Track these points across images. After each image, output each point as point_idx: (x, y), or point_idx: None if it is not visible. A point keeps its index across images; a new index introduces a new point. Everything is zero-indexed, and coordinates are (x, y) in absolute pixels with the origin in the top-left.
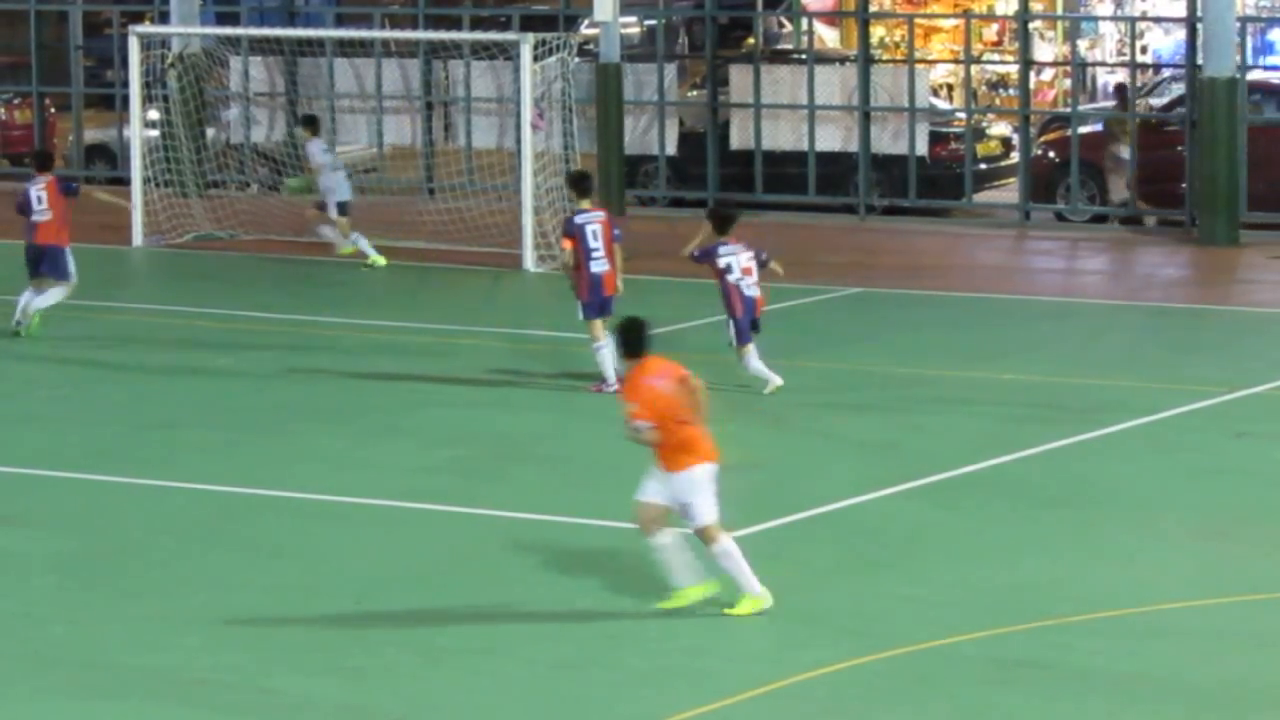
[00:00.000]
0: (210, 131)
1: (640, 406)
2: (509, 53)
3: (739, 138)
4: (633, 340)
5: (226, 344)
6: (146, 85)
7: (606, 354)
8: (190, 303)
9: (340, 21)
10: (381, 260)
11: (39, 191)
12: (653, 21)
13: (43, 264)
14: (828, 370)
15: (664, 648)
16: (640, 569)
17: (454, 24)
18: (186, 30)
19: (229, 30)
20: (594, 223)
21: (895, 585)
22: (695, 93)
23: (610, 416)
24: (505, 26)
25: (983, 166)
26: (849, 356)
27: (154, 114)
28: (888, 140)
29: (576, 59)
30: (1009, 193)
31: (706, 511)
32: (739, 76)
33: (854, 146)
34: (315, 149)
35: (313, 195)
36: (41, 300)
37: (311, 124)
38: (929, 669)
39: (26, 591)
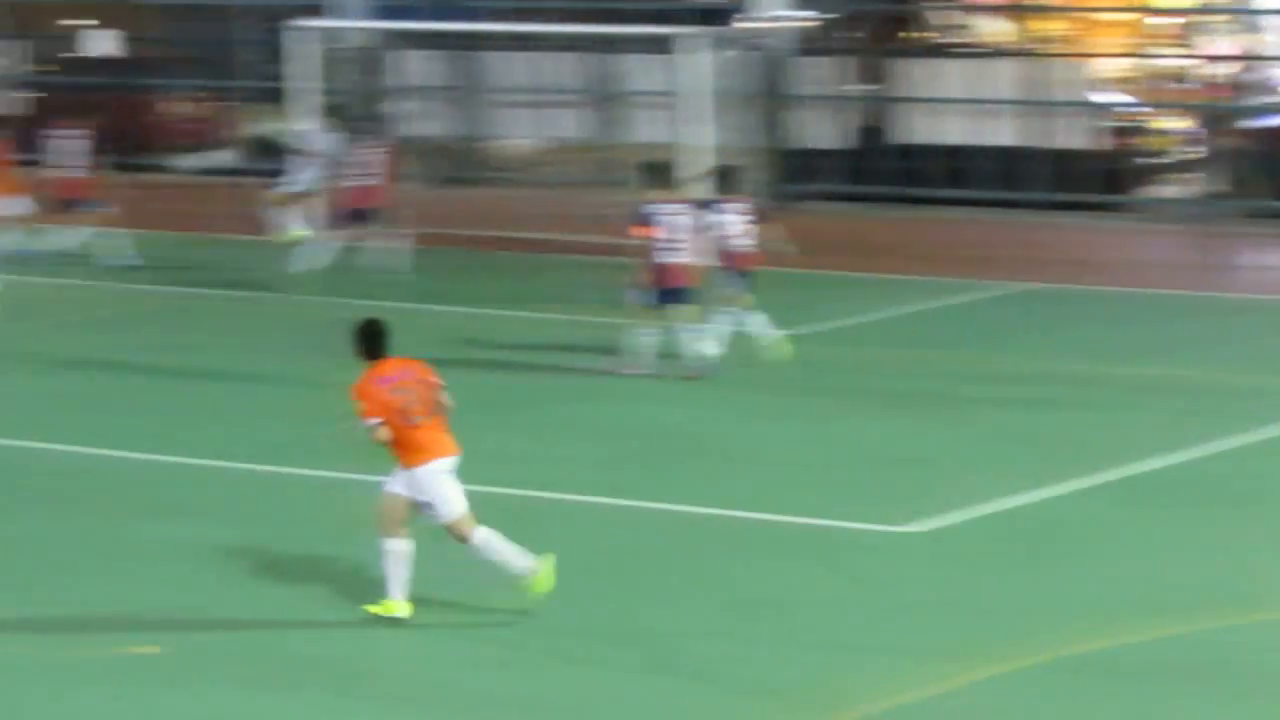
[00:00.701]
0: (384, 126)
1: (368, 406)
2: (677, 46)
3: (910, 132)
4: (369, 342)
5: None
6: (314, 79)
7: (650, 341)
8: (348, 295)
9: (508, 16)
10: (304, 233)
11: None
12: (821, 15)
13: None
14: (1000, 366)
15: (839, 642)
16: (820, 566)
17: (621, 18)
18: (356, 24)
19: (397, 24)
20: (677, 215)
21: (1071, 583)
22: (865, 87)
23: (788, 412)
24: (672, 20)
25: (1156, 161)
26: (1021, 352)
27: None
28: (1060, 135)
29: (744, 52)
30: (1183, 187)
31: (451, 507)
32: (909, 70)
33: (1027, 141)
34: (317, 137)
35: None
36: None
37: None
38: (1105, 668)
39: (203, 583)
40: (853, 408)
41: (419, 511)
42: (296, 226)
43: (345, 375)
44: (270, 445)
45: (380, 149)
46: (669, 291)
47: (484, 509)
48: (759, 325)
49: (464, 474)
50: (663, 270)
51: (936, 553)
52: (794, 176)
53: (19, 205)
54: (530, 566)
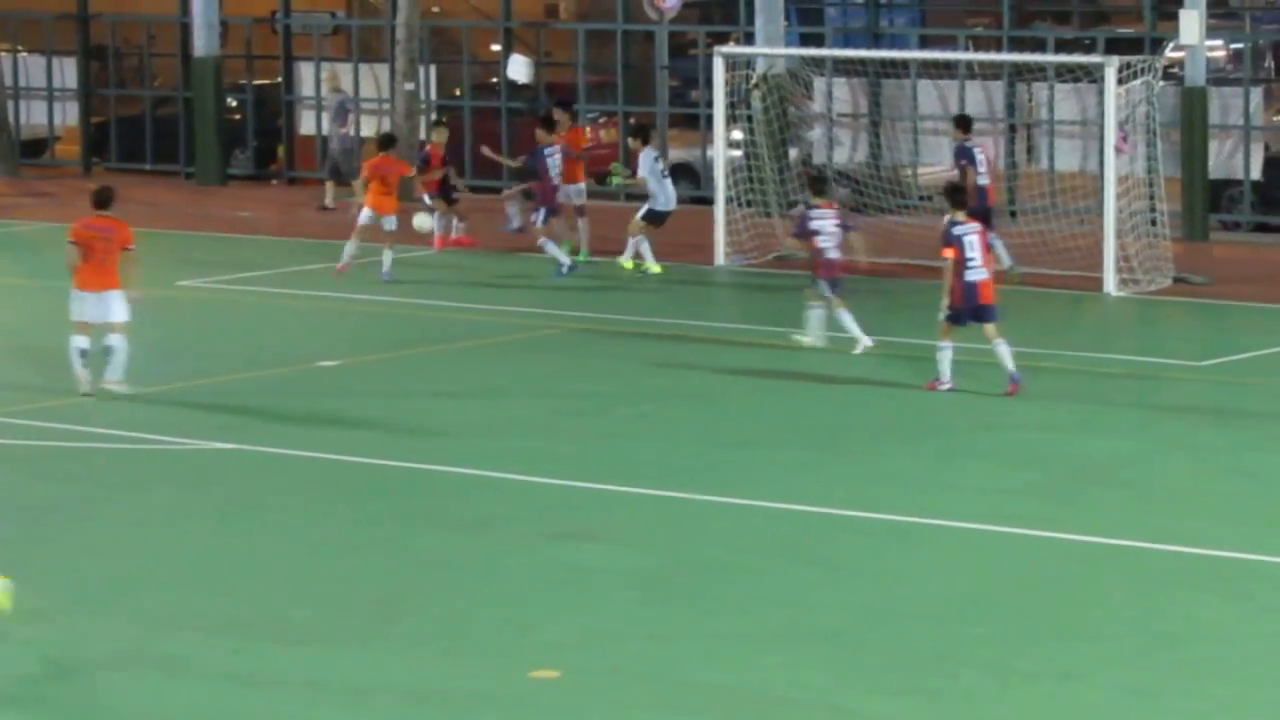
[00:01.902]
0: (793, 152)
1: None
2: (1093, 75)
3: None
4: None
5: (804, 361)
6: (730, 105)
7: (947, 354)
8: (771, 321)
9: (925, 43)
10: (656, 268)
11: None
12: (1239, 44)
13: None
14: None
15: (1247, 675)
16: (1229, 599)
17: (1038, 46)
18: (771, 51)
19: (813, 51)
20: (971, 234)
21: None
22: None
23: (1194, 443)
24: (1090, 49)
25: None
26: None
27: (737, 134)
28: None
29: (1161, 82)
30: None
31: None
32: None
33: None
34: (646, 158)
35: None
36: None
37: (642, 134)
38: None
39: (606, 607)
40: (1270, 440)
41: None
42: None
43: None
44: (673, 468)
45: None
46: (978, 309)
47: (887, 534)
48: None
49: (869, 500)
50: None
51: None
52: (1208, 206)
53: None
54: None
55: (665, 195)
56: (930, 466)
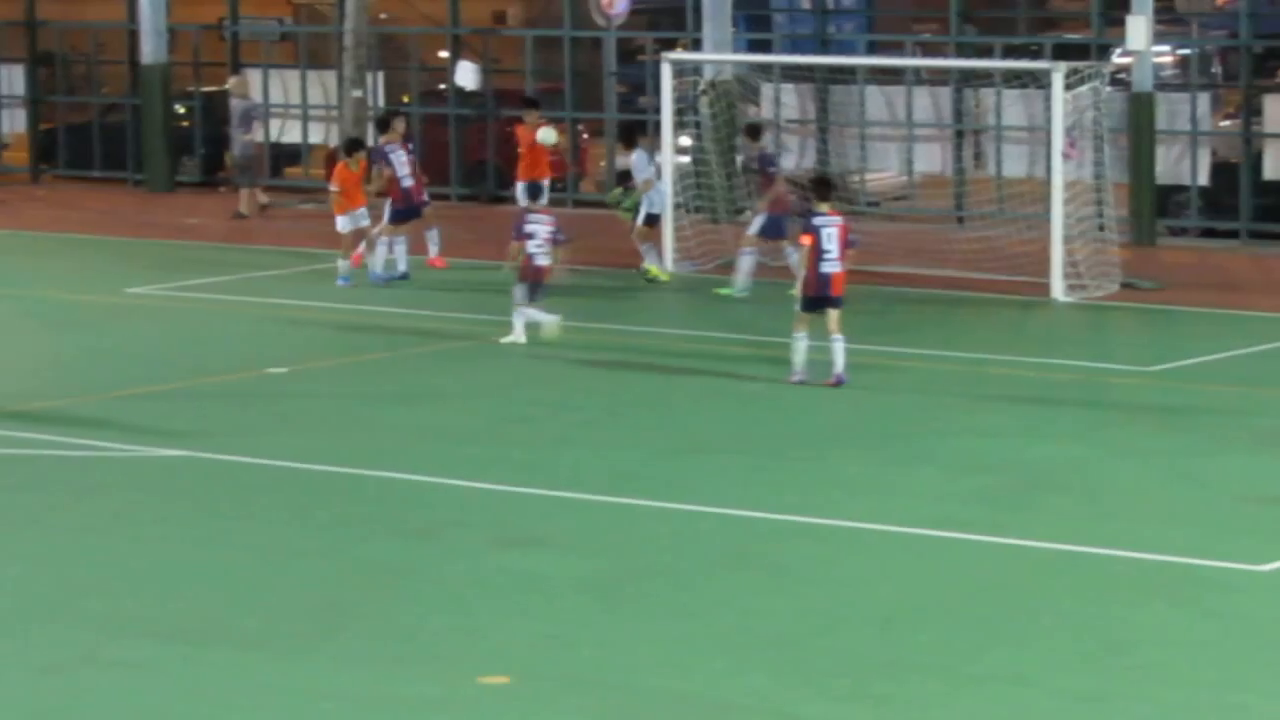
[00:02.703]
0: (740, 158)
1: None
2: (1041, 81)
3: (1273, 168)
4: None
5: (754, 367)
6: (679, 112)
7: (802, 346)
8: (720, 327)
9: (872, 49)
10: (665, 276)
11: None
12: (1186, 50)
13: None
14: None
15: (1195, 680)
16: (1177, 604)
17: (986, 52)
18: (719, 57)
19: (761, 57)
20: (830, 226)
21: None
22: (1228, 122)
23: (1142, 448)
24: (1037, 55)
25: None
26: None
27: (685, 140)
28: None
29: (1109, 88)
30: None
31: None
32: (1274, 106)
33: None
34: (640, 160)
35: (626, 209)
36: None
37: (627, 136)
38: None
39: (555, 613)
40: (1217, 445)
41: None
42: (653, 262)
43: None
44: (622, 474)
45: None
46: (825, 299)
47: (835, 540)
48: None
49: (818, 505)
50: (824, 280)
51: None
52: (1155, 212)
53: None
54: None
55: (660, 197)
56: (879, 472)
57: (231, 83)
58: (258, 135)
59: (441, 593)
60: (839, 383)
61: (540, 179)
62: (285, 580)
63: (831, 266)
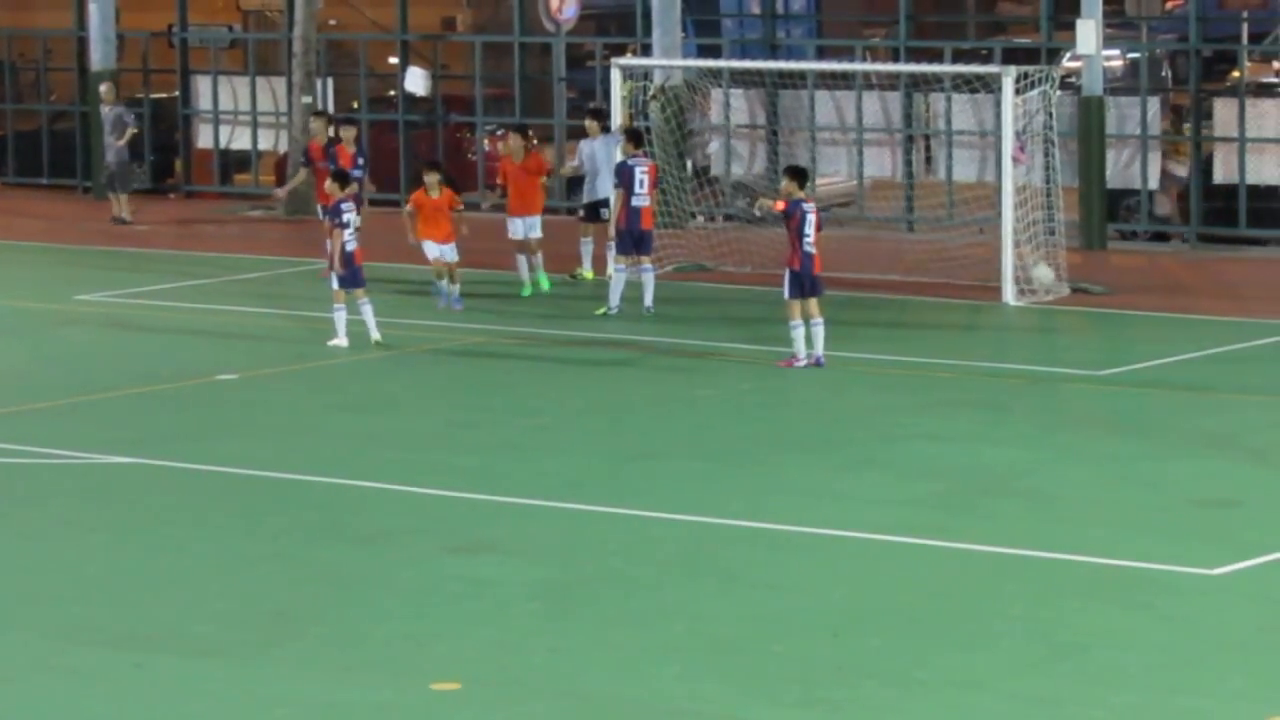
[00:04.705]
0: (688, 163)
1: None
2: (990, 85)
3: (1222, 172)
4: None
5: (707, 373)
6: (629, 116)
7: (800, 333)
8: (671, 334)
9: (821, 54)
10: (589, 274)
11: None
12: (1136, 55)
13: None
14: None
15: (1147, 683)
16: (1129, 608)
17: (935, 57)
18: (669, 62)
19: (711, 62)
20: (811, 212)
21: None
22: (1176, 126)
23: (1094, 452)
24: (987, 59)
25: None
26: None
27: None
28: None
29: (1059, 92)
30: None
31: None
32: (1223, 110)
33: None
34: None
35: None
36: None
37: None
38: None
39: (506, 619)
40: (1168, 449)
41: None
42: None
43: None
44: (572, 480)
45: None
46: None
47: (786, 546)
48: None
49: (769, 511)
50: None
51: (1248, 595)
52: (1105, 215)
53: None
54: None
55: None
56: (830, 477)
57: (102, 89)
58: (127, 140)
59: (392, 600)
60: (818, 363)
61: (535, 214)
62: (235, 587)
63: (813, 249)
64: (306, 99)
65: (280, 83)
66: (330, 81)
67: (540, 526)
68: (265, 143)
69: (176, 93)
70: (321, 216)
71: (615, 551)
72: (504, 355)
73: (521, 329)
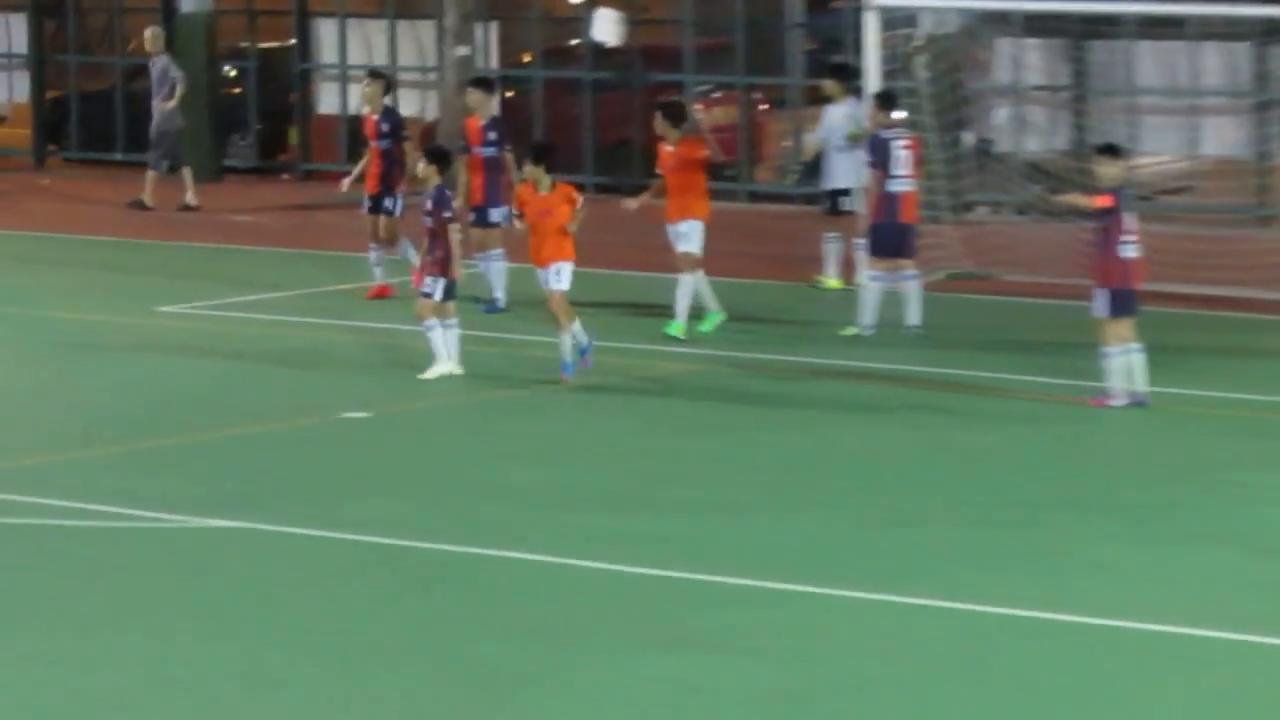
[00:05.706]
0: (968, 137)
1: None
2: None
3: None
4: None
5: (978, 416)
6: (887, 75)
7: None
8: (940, 363)
9: None
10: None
11: None
12: None
13: None
14: None
15: None
16: None
17: None
18: (941, 4)
19: (997, 4)
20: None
21: None
22: None
23: None
24: None
25: None
26: None
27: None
28: None
29: None
30: None
31: None
32: None
33: None
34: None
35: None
36: None
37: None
38: None
39: None
40: None
41: None
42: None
43: None
44: (814, 553)
45: None
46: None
47: (1096, 645)
48: None
49: (1077, 596)
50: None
51: None
52: None
53: None
54: None
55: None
56: (1147, 554)
57: (146, 35)
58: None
59: (571, 708)
60: (1140, 403)
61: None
62: (369, 691)
63: (1134, 251)
64: (462, 50)
65: (428, 28)
66: (494, 28)
67: (768, 616)
68: (408, 107)
69: (292, 41)
70: (388, 208)
71: (867, 651)
72: (718, 389)
73: (742, 354)
